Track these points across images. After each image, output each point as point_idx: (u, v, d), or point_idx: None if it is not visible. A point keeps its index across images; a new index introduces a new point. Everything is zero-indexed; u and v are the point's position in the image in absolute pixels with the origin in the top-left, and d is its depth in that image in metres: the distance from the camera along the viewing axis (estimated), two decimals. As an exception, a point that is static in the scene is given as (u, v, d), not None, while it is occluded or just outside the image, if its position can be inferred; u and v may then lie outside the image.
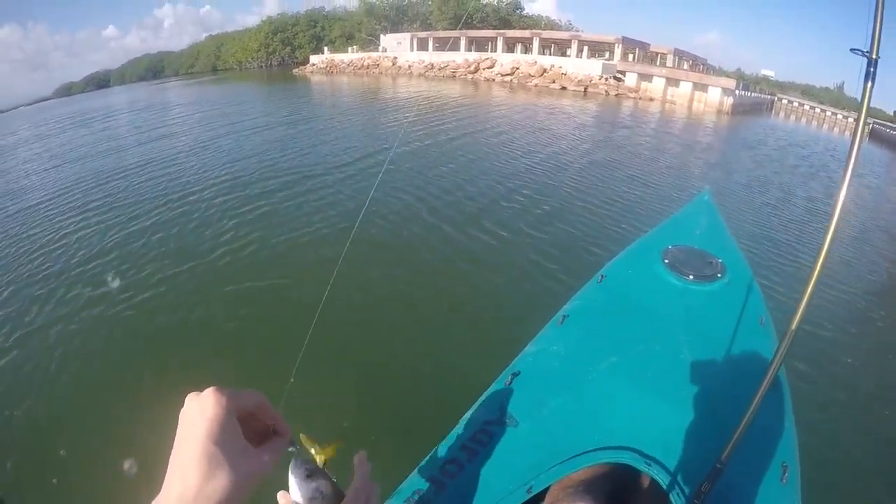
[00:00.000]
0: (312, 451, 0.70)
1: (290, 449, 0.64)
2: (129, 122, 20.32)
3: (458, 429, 1.48)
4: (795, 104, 40.44)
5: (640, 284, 2.02)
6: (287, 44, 66.21)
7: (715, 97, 27.66)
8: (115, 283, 5.32)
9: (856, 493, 2.99)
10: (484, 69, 38.61)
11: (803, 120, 35.62)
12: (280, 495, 0.67)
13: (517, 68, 36.48)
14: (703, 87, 28.68)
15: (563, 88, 31.51)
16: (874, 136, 29.71)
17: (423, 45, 48.00)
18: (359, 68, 46.88)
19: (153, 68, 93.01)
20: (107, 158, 12.14)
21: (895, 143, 25.64)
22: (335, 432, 2.64)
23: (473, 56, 41.18)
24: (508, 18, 56.00)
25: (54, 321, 4.74)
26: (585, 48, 40.84)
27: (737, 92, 27.95)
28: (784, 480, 1.26)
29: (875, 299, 5.71)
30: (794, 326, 0.93)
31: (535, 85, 33.35)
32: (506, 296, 4.95)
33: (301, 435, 0.70)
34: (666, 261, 2.02)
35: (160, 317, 4.70)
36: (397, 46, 49.70)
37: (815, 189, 11.33)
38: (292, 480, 0.66)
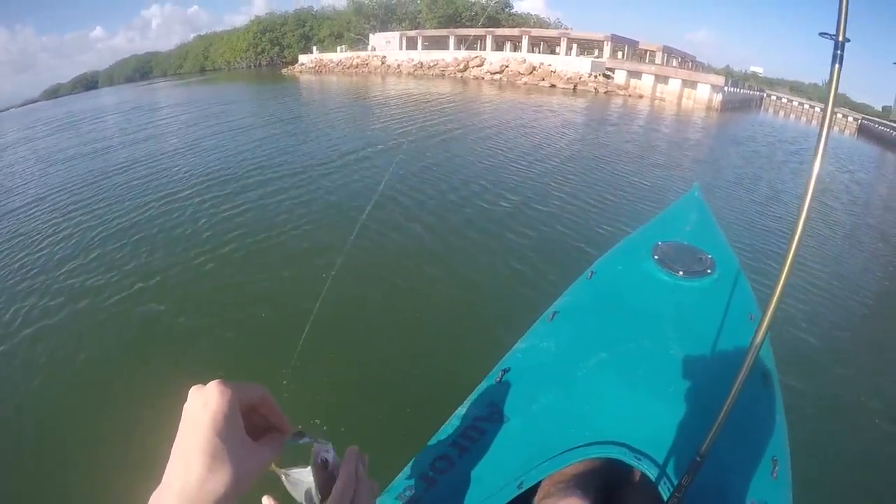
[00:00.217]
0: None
1: (304, 440, 0.61)
2: (115, 123, 20.14)
3: (449, 425, 1.47)
4: (784, 100, 40.69)
5: (630, 280, 2.02)
6: (276, 43, 65.91)
7: (704, 94, 27.80)
8: (111, 279, 5.33)
9: (847, 487, 3.01)
10: (473, 67, 38.60)
11: (792, 116, 35.86)
12: (265, 499, 0.66)
13: (506, 66, 36.51)
14: (692, 84, 28.82)
15: (553, 86, 31.59)
16: (863, 132, 29.72)
17: (412, 44, 47.91)
18: (348, 67, 46.73)
19: (141, 69, 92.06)
20: (105, 157, 12.04)
21: (884, 139, 25.77)
22: (327, 429, 2.64)
23: (462, 54, 41.10)
24: (497, 17, 55.98)
25: (51, 317, 4.72)
26: (575, 46, 40.93)
27: (726, 89, 28.12)
28: (774, 475, 1.27)
29: (866, 295, 5.76)
30: (771, 310, 0.93)
31: (525, 83, 33.40)
32: (496, 292, 4.97)
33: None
34: (656, 257, 2.02)
35: (157, 312, 4.70)
36: (386, 45, 49.57)
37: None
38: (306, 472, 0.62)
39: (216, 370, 3.72)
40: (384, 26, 56.63)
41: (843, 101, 42.94)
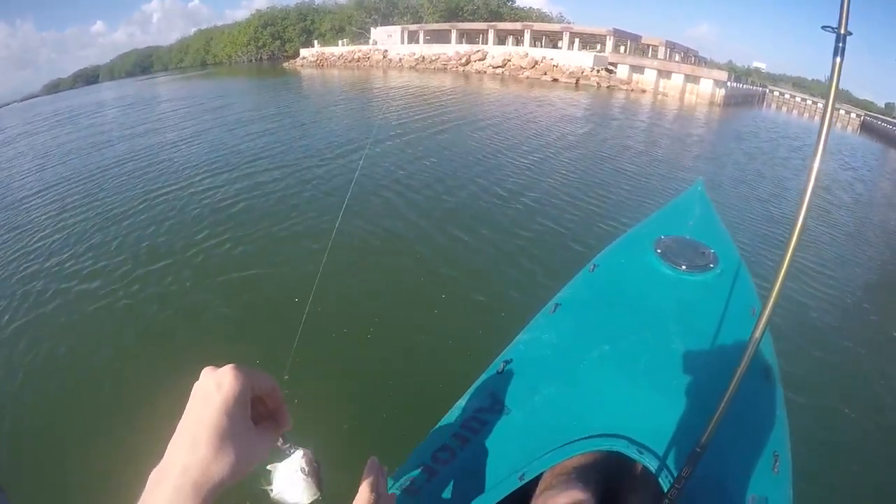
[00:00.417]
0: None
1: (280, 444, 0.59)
2: (114, 118, 20.16)
3: (451, 416, 1.47)
4: (787, 96, 40.51)
5: (633, 274, 2.01)
6: (277, 37, 65.76)
7: (707, 89, 27.69)
8: (108, 275, 5.34)
9: (848, 482, 3.01)
10: (475, 61, 38.45)
11: (794, 112, 35.69)
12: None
13: (508, 60, 36.35)
14: (695, 79, 28.70)
15: (555, 80, 31.46)
16: (866, 128, 29.61)
17: (413, 38, 47.70)
18: (349, 61, 46.55)
19: (142, 63, 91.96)
20: (105, 153, 12.05)
21: (887, 136, 25.64)
22: (328, 423, 2.64)
23: (464, 48, 40.96)
24: (499, 11, 55.81)
25: (48, 311, 4.76)
26: (577, 40, 40.70)
27: (729, 84, 28.00)
28: (776, 470, 1.27)
29: (869, 292, 5.76)
30: (770, 305, 0.93)
31: (527, 77, 33.27)
32: (498, 284, 4.97)
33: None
34: (658, 250, 2.01)
35: (153, 306, 4.72)
36: (388, 39, 49.34)
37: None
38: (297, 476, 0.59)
39: (214, 364, 3.74)
40: (386, 20, 56.43)
41: (845, 98, 42.79)
